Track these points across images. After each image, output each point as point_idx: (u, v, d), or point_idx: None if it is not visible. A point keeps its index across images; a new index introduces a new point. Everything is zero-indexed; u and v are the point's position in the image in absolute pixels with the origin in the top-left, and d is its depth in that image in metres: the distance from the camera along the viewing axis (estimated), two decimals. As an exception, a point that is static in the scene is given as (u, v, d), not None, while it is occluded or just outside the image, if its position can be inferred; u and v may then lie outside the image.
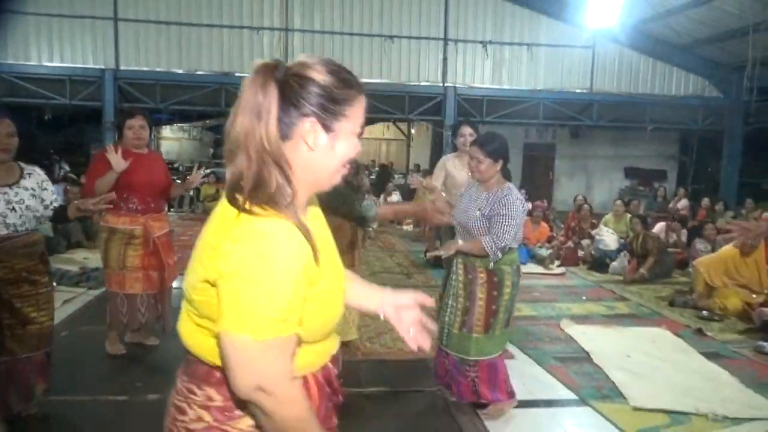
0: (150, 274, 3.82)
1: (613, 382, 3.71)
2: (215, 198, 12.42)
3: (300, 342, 1.09)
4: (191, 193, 13.05)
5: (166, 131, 23.81)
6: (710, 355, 4.30)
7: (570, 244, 8.30)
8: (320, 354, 1.19)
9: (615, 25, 11.53)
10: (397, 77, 12.57)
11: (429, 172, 9.29)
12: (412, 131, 21.84)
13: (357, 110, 1.14)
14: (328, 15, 12.30)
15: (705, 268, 5.65)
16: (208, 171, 13.75)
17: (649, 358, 4.19)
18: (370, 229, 3.28)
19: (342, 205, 2.95)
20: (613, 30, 11.93)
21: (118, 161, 3.57)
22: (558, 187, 16.52)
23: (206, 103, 12.45)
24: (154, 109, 12.25)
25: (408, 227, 11.12)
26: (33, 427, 2.96)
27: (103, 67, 11.69)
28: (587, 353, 4.27)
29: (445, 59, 12.60)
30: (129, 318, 3.84)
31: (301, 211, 1.11)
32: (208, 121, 19.26)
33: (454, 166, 4.22)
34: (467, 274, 3.07)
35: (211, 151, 22.86)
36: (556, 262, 7.65)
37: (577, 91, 13.01)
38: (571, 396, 3.54)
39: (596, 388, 3.65)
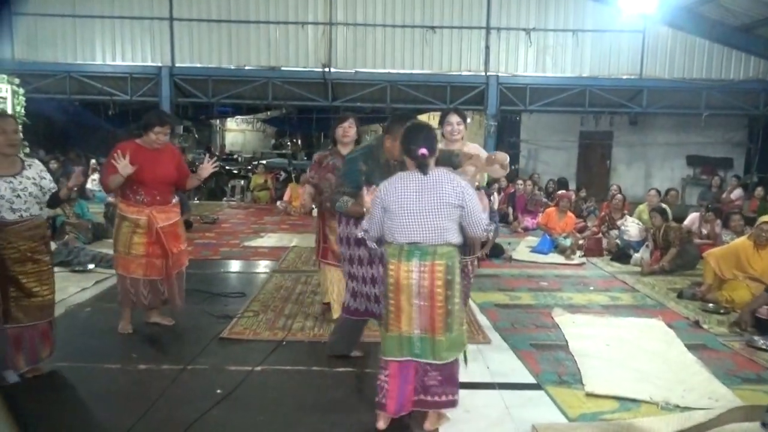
0: (153, 261, 4.16)
1: (579, 369, 3.79)
2: (264, 187, 13.01)
3: None
4: (242, 183, 13.71)
5: (231, 123, 24.83)
6: (695, 347, 4.26)
7: (600, 234, 8.21)
8: None
9: (666, 8, 11.11)
10: (439, 67, 12.66)
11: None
12: (468, 119, 21.78)
13: None
14: (371, 7, 12.54)
15: (715, 259, 5.51)
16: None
17: (628, 348, 4.21)
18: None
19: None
20: (665, 13, 11.50)
21: (124, 167, 3.92)
22: (615, 176, 16.03)
23: (255, 96, 13.07)
24: (207, 103, 12.99)
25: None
26: (36, 385, 3.42)
27: (160, 64, 12.49)
28: (566, 341, 4.34)
29: (487, 48, 12.57)
30: (136, 298, 4.24)
31: None
32: (269, 113, 19.87)
33: None
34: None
35: (273, 141, 23.60)
36: (579, 253, 7.60)
37: (626, 77, 12.62)
38: (530, 380, 3.65)
39: (558, 374, 3.74)
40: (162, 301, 4.33)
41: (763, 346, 4.25)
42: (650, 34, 12.46)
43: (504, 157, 3.60)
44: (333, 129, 4.44)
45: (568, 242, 7.68)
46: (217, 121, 22.71)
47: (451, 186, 2.71)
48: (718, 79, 12.61)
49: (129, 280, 4.18)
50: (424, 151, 2.70)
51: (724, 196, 11.33)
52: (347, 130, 4.34)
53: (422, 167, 2.72)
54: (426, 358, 2.80)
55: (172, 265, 4.19)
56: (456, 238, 2.77)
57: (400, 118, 3.50)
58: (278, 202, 11.28)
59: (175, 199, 4.35)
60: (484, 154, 4.24)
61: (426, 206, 2.71)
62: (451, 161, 3.44)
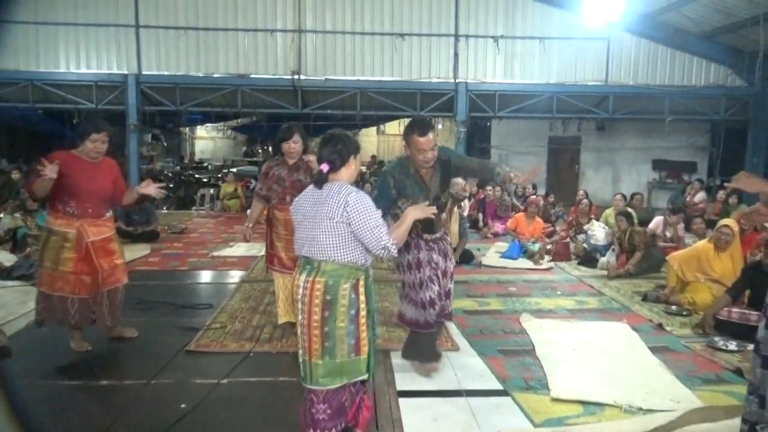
0: (83, 279, 3.93)
1: (545, 374, 3.84)
2: (234, 196, 12.90)
3: None
4: (212, 191, 13.58)
5: (201, 131, 24.60)
6: (658, 349, 4.36)
7: (567, 239, 8.33)
8: None
9: (629, 15, 11.34)
10: (409, 74, 12.72)
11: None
12: (438, 126, 21.89)
13: None
14: (340, 15, 12.55)
15: (678, 262, 5.64)
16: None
17: (593, 352, 4.28)
18: None
19: None
20: (628, 21, 11.74)
21: (50, 170, 3.63)
22: (584, 180, 16.35)
23: (224, 104, 12.95)
24: (175, 111, 12.83)
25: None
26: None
27: (126, 72, 12.29)
28: (534, 346, 4.39)
29: (456, 55, 12.67)
30: (62, 317, 3.95)
31: None
32: (239, 120, 19.74)
33: None
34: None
35: (243, 149, 23.45)
36: (547, 258, 7.70)
37: (592, 83, 12.85)
38: (497, 386, 3.68)
39: (525, 379, 3.78)
40: (91, 320, 4.07)
41: (723, 347, 4.35)
42: (615, 41, 12.72)
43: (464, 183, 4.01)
44: (278, 142, 4.41)
45: (536, 247, 7.78)
46: (187, 129, 22.48)
47: (335, 201, 2.54)
48: (681, 85, 12.91)
49: (56, 298, 3.92)
50: (325, 166, 2.61)
51: (688, 199, 11.59)
52: (292, 148, 4.35)
53: (317, 181, 2.63)
54: (306, 382, 2.63)
55: (102, 283, 3.97)
56: (347, 257, 2.56)
57: (412, 124, 3.55)
58: (249, 211, 11.17)
59: (109, 213, 4.14)
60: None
61: (313, 220, 2.59)
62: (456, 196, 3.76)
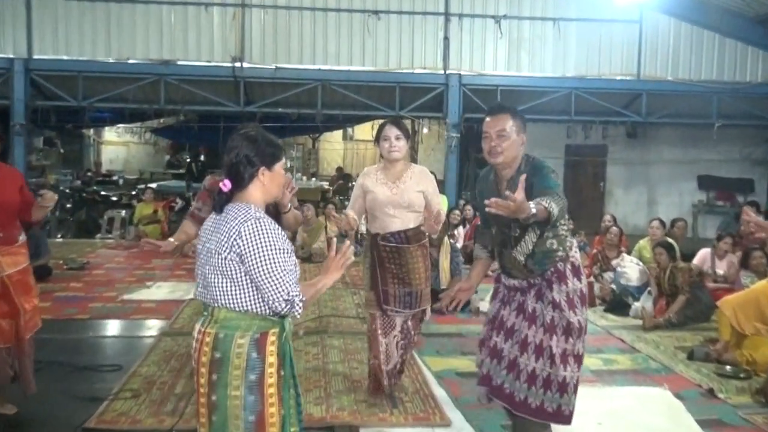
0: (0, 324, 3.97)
1: (564, 456, 3.83)
2: (154, 220, 12.74)
3: None
4: (123, 213, 13.41)
5: (110, 134, 24.38)
6: (710, 423, 4.41)
7: (591, 277, 8.41)
8: None
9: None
10: (385, 63, 12.86)
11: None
12: (424, 130, 22.04)
13: None
14: (296, -15, 12.69)
15: (732, 309, 5.70)
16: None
17: (625, 425, 4.32)
18: None
19: None
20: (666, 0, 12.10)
21: None
22: (610, 201, 16.54)
23: (142, 98, 12.92)
24: (77, 107, 12.72)
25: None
26: None
27: (12, 56, 12.20)
28: (548, 420, 4.38)
29: (446, 39, 12.85)
30: None
31: None
32: (161, 121, 19.64)
33: (377, 181, 4.40)
34: None
35: (166, 158, 23.29)
36: (565, 302, 7.75)
37: (620, 78, 13.13)
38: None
39: (537, 463, 3.77)
40: (11, 378, 4.11)
41: (792, 420, 4.41)
42: (649, 24, 13.06)
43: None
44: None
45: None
46: (91, 131, 22.24)
47: (226, 230, 2.47)
48: (732, 82, 13.27)
49: None
50: (226, 182, 2.54)
51: (743, 227, 11.77)
52: None
53: (215, 203, 2.57)
54: None
55: (24, 327, 4.02)
56: (244, 304, 2.48)
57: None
58: (172, 239, 11.05)
59: (22, 237, 4.17)
60: (432, 184, 4.38)
61: (207, 253, 2.53)
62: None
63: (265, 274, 2.41)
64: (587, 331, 3.44)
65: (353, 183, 4.51)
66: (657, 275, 7.37)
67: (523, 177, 3.09)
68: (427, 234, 4.46)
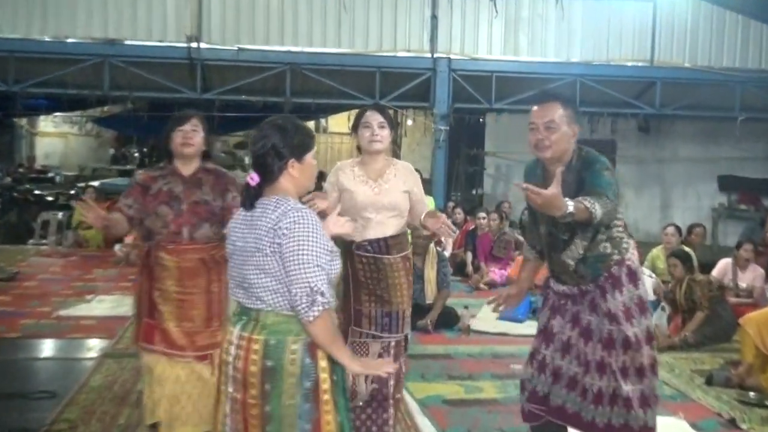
0: None
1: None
2: (96, 224, 12.63)
3: None
4: (60, 216, 13.30)
5: (46, 124, 24.20)
6: (731, 457, 4.44)
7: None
8: None
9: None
10: (363, 45, 12.83)
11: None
12: (408, 122, 22.03)
13: None
14: (260, -46, 12.65)
15: (756, 327, 5.76)
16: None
17: (636, 462, 4.31)
18: None
19: None
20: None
21: None
22: (621, 204, 16.32)
23: (83, 83, 12.78)
24: (7, 93, 12.61)
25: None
26: None
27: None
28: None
29: (434, 18, 12.84)
30: None
31: None
32: (105, 109, 19.52)
33: (355, 178, 4.28)
34: None
35: (111, 152, 23.16)
36: (567, 319, 7.77)
37: (631, 64, 13.20)
38: None
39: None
40: None
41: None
42: (664, 4, 13.12)
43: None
44: (167, 135, 4.21)
45: (552, 304, 7.84)
46: (24, 120, 22.07)
47: (265, 224, 2.59)
48: (758, 70, 13.36)
49: None
50: (253, 176, 2.64)
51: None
52: (189, 136, 4.14)
53: (244, 200, 2.68)
54: None
55: None
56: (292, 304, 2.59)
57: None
58: (117, 246, 11.01)
59: None
60: (419, 183, 4.34)
61: (242, 253, 2.65)
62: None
63: (295, 264, 2.51)
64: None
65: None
66: (672, 289, 7.41)
67: (559, 170, 3.10)
68: (410, 243, 4.39)
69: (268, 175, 2.64)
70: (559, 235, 3.43)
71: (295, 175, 2.66)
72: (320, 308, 2.50)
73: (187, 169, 4.20)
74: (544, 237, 3.53)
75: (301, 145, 2.68)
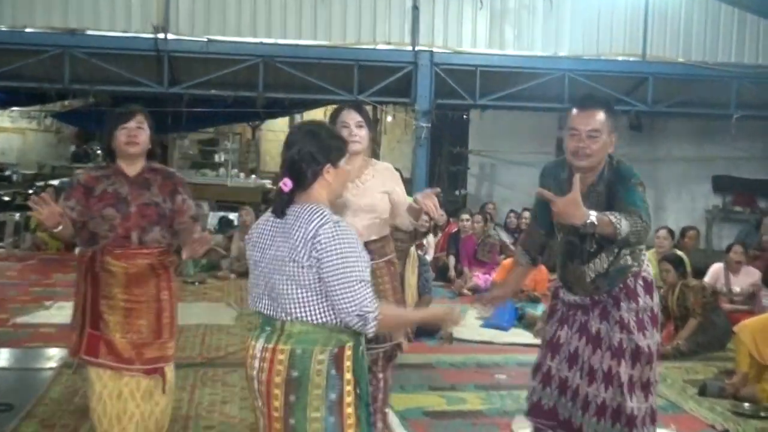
0: None
1: None
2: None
3: None
4: (17, 217, 13.22)
5: (2, 119, 23.99)
6: (724, 471, 4.48)
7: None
8: None
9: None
10: (341, 37, 12.80)
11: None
12: (388, 118, 22.02)
13: None
14: (232, -57, 12.62)
15: (751, 335, 5.82)
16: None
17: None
18: None
19: None
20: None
21: None
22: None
23: (42, 75, 12.68)
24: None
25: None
26: None
27: None
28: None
29: (416, 9, 12.84)
30: None
31: None
32: (66, 103, 19.41)
33: None
34: None
35: (72, 149, 22.99)
36: (555, 327, 7.82)
37: (622, 59, 13.28)
38: None
39: None
40: None
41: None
42: (656, -4, 13.23)
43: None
44: (110, 132, 4.12)
45: (539, 311, 7.89)
46: (-22, 115, 21.92)
47: (301, 235, 2.66)
48: (755, 65, 13.46)
49: None
50: (286, 182, 2.71)
51: (765, 237, 12.01)
52: (133, 134, 4.06)
53: (276, 207, 2.75)
54: None
55: None
56: (322, 315, 2.69)
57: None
58: (78, 249, 10.94)
59: None
60: (400, 184, 4.35)
61: (272, 262, 2.72)
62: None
63: (340, 283, 2.62)
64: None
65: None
66: (664, 295, 7.46)
67: (576, 176, 3.14)
68: (394, 248, 4.39)
69: (302, 180, 2.72)
70: (584, 246, 3.46)
71: (329, 180, 2.76)
72: (374, 323, 2.64)
73: (131, 169, 4.15)
74: (561, 245, 3.54)
75: (337, 151, 2.79)
